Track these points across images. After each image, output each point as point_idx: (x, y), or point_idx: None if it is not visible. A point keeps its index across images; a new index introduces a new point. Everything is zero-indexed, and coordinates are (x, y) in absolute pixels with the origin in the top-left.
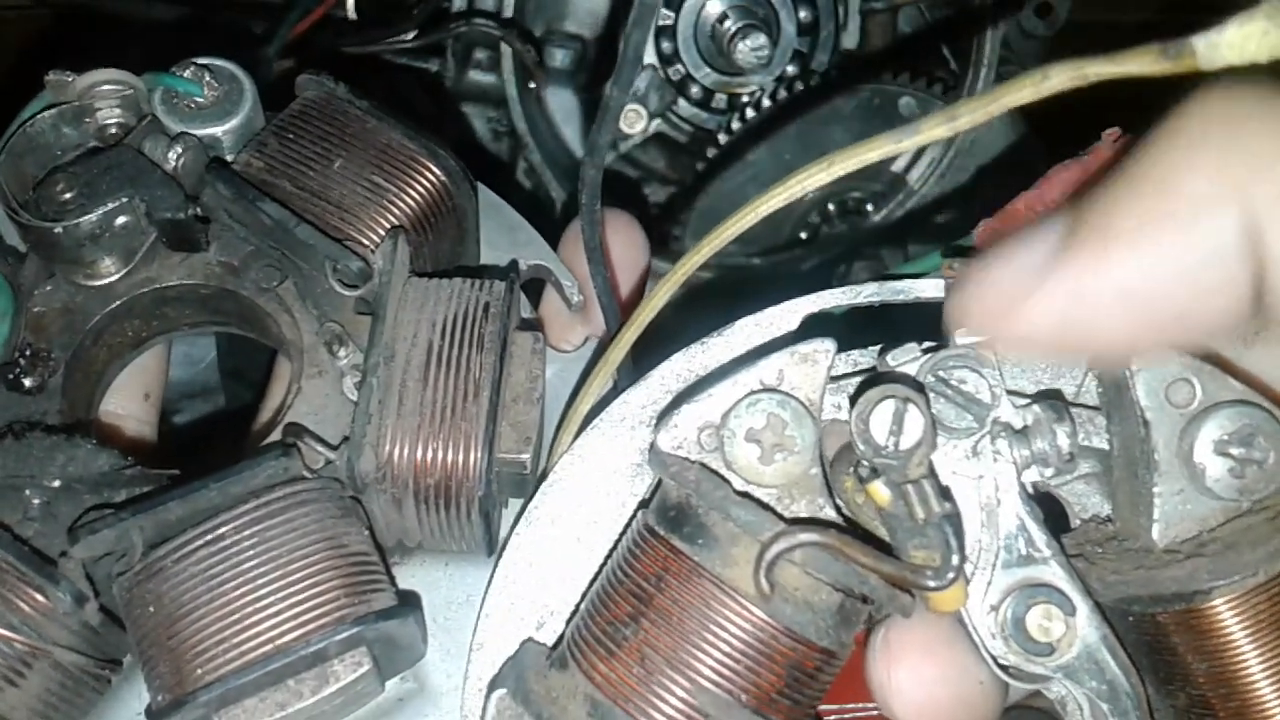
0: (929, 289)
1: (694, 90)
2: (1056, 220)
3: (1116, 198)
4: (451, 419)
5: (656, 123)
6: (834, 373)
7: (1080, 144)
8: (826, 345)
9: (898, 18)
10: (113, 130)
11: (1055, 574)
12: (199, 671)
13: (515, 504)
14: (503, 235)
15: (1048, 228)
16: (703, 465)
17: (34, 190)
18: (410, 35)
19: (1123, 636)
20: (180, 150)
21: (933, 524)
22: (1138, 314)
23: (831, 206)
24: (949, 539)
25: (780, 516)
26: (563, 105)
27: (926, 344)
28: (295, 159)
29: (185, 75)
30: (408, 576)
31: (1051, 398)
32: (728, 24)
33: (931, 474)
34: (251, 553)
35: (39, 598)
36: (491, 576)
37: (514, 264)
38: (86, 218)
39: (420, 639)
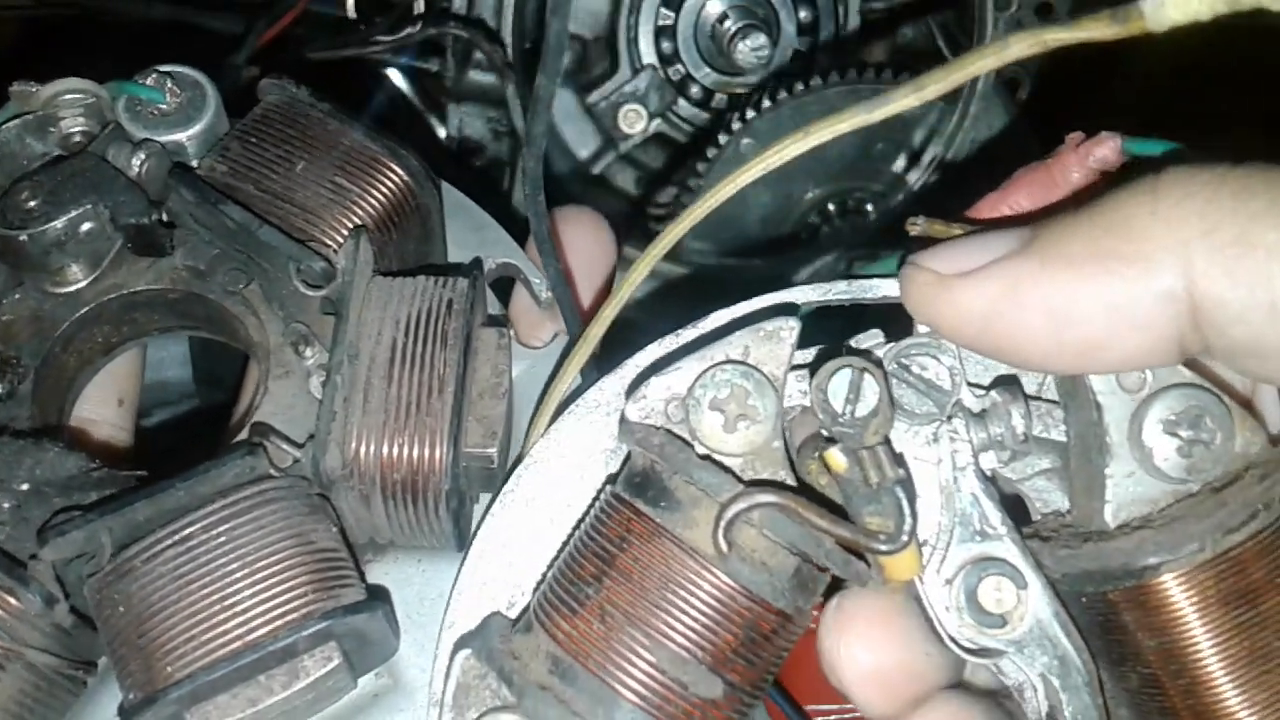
0: (897, 288)
1: (694, 90)
2: (1018, 230)
3: (1076, 225)
4: (416, 415)
5: (656, 123)
6: (800, 360)
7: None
8: (790, 323)
9: (898, 18)
10: (77, 139)
11: (1008, 550)
12: (170, 669)
13: (486, 499)
14: (470, 234)
15: (1008, 233)
16: (668, 431)
17: None
18: (387, 39)
19: (1075, 619)
20: (144, 156)
21: (886, 489)
22: (1060, 332)
23: (831, 207)
24: (902, 504)
25: (741, 480)
26: (563, 105)
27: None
28: (258, 162)
29: (148, 83)
30: (380, 574)
31: (1007, 383)
32: (728, 24)
33: (886, 442)
34: (219, 551)
35: (10, 600)
36: (464, 557)
37: (478, 261)
38: (51, 225)
39: (391, 634)
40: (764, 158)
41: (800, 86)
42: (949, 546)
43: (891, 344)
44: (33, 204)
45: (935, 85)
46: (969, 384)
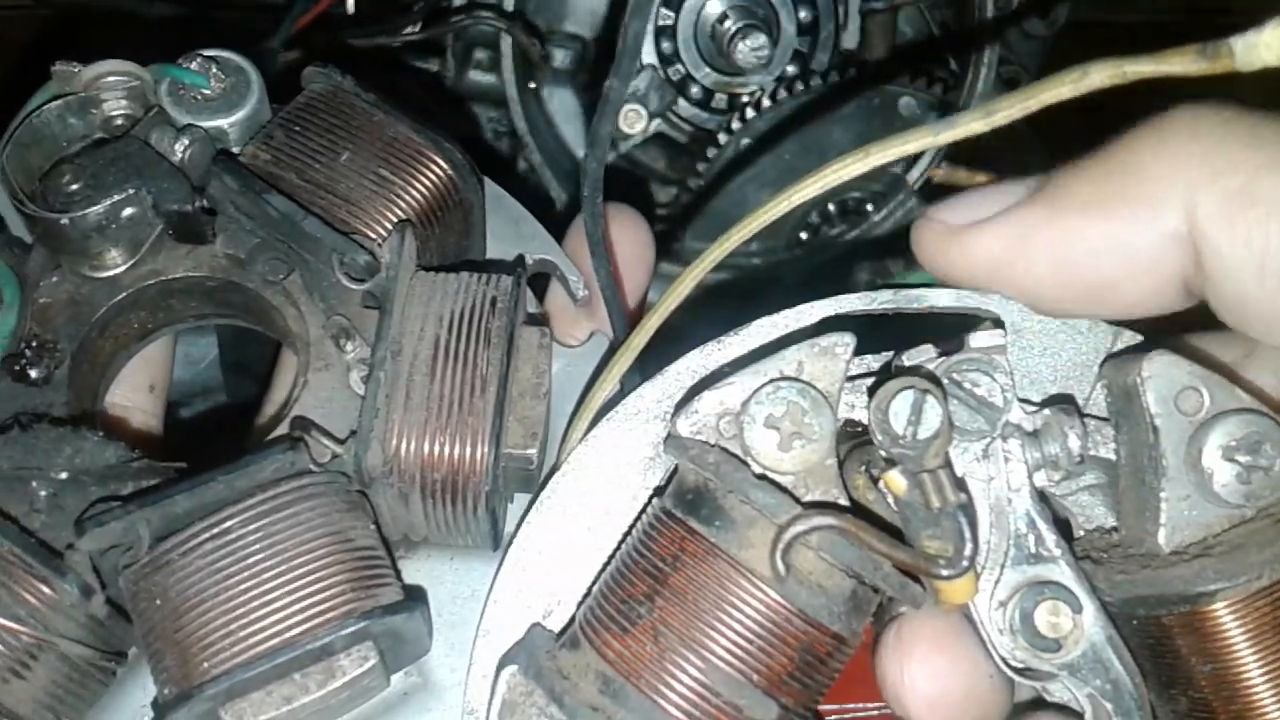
0: (944, 299)
1: (694, 90)
2: (1027, 179)
3: (1083, 169)
4: (459, 414)
5: (656, 123)
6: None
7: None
8: (846, 339)
9: (898, 18)
10: (119, 122)
11: (1063, 573)
12: (206, 665)
13: (521, 499)
14: (508, 228)
15: (1017, 182)
16: (722, 449)
17: (40, 181)
18: (415, 28)
19: (1127, 641)
20: (187, 142)
21: (947, 514)
22: (1068, 275)
23: (832, 207)
24: (963, 529)
25: (797, 500)
26: (563, 105)
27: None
28: (302, 151)
29: (191, 67)
30: (413, 571)
31: (1061, 401)
32: (728, 24)
33: (947, 465)
34: (258, 546)
35: (45, 590)
36: (500, 565)
37: (520, 259)
38: (93, 209)
39: (426, 634)
40: (821, 175)
41: (800, 86)
42: (1003, 569)
43: (942, 358)
44: (74, 187)
45: (1005, 111)
46: (1020, 400)
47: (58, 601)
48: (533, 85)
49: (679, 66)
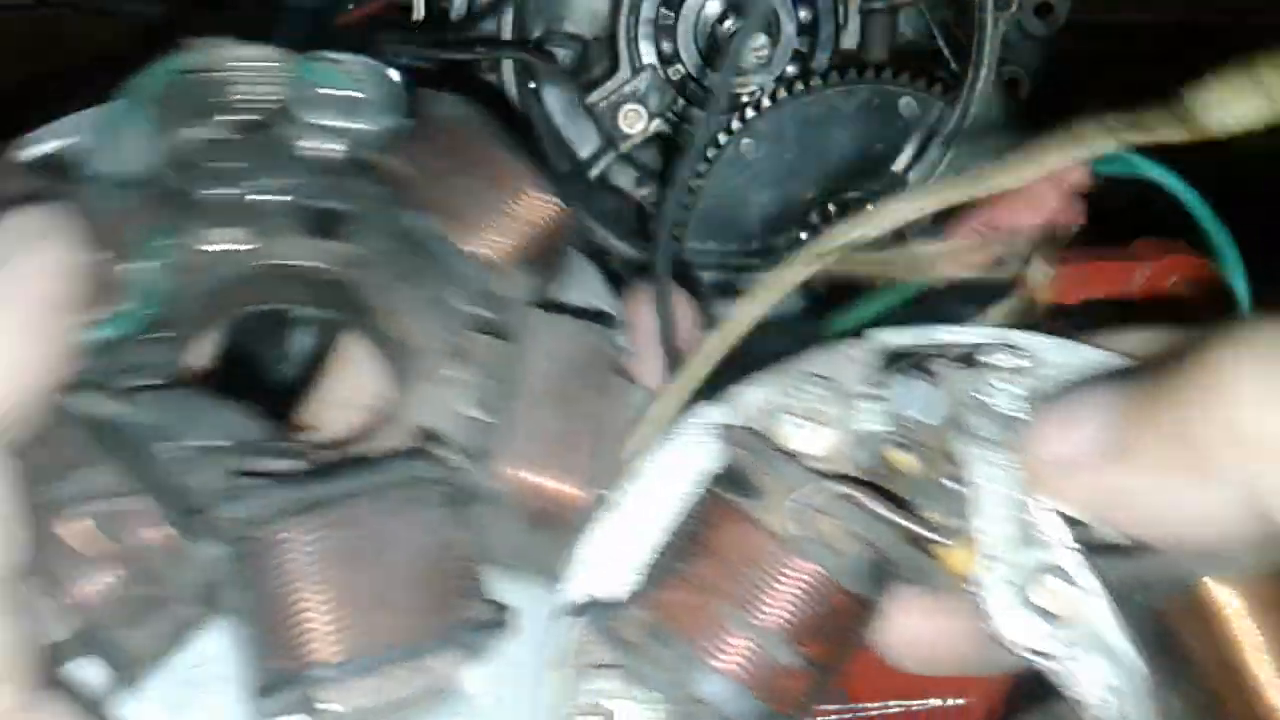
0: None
1: (694, 90)
2: (1106, 415)
3: (1148, 410)
4: (563, 451)
5: (656, 123)
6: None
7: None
8: (870, 343)
9: (898, 18)
10: (258, 106)
11: (1065, 556)
12: (312, 649)
13: None
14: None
15: (1096, 407)
16: (753, 431)
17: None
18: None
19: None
20: (323, 140)
21: (948, 489)
22: (1152, 531)
23: (831, 207)
24: (960, 500)
25: (819, 474)
26: (562, 105)
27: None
28: (431, 172)
29: (336, 66)
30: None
31: None
32: (728, 24)
33: (951, 447)
34: (380, 543)
35: (175, 548)
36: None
37: (618, 312)
38: (230, 190)
39: None
40: (875, 216)
41: (800, 86)
42: (1009, 554)
43: (968, 369)
44: (211, 164)
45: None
46: None
47: (184, 562)
48: (533, 85)
49: (679, 66)
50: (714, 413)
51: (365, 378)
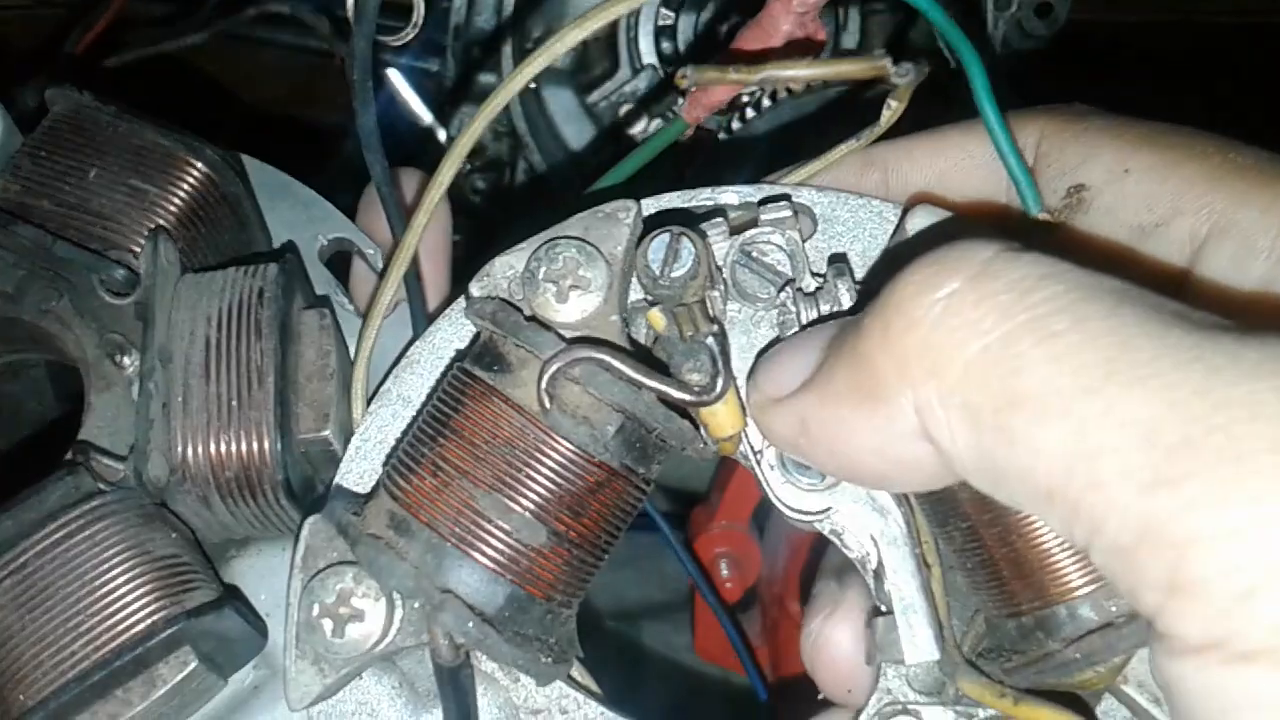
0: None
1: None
2: (816, 352)
3: (843, 355)
4: (239, 410)
5: (657, 123)
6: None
7: None
8: (629, 204)
9: (897, 18)
10: None
11: None
12: (22, 697)
13: None
14: (297, 213)
15: (810, 353)
16: (502, 300)
17: None
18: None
19: None
20: None
21: (701, 343)
22: (844, 466)
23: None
24: (715, 357)
25: (566, 340)
26: (563, 105)
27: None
28: (50, 175)
29: None
30: (245, 567)
31: (838, 261)
32: (727, 24)
33: (703, 301)
34: (56, 574)
35: None
36: (342, 456)
37: (291, 244)
38: None
39: (251, 627)
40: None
41: (800, 86)
42: None
43: (736, 234)
44: None
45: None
46: (812, 273)
47: None
48: (533, 85)
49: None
50: (472, 287)
51: None
